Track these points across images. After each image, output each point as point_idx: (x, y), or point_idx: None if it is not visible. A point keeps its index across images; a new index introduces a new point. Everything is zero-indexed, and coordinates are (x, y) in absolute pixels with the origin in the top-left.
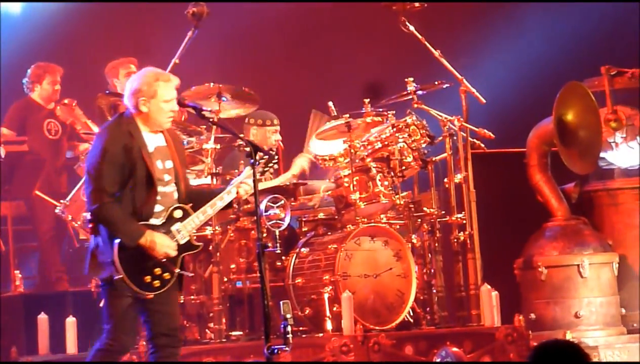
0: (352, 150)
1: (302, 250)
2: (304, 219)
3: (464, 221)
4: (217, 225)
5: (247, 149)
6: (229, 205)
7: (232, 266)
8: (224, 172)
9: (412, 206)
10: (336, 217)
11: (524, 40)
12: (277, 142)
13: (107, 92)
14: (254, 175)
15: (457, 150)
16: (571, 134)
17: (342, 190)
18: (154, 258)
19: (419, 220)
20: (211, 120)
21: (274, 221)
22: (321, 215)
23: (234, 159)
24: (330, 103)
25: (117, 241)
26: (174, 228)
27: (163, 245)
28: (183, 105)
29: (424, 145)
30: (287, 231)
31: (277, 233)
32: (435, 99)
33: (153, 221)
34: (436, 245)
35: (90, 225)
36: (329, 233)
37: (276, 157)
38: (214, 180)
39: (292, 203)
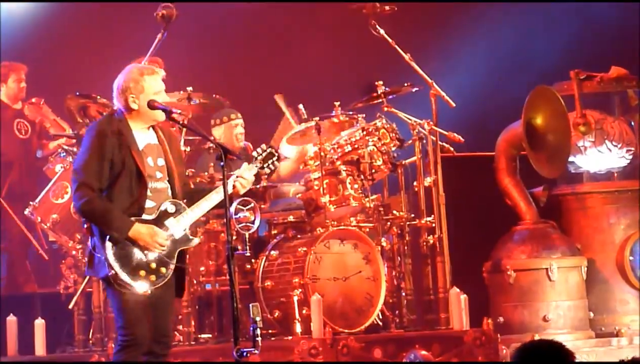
0: (322, 153)
1: (272, 252)
2: (273, 222)
3: (433, 225)
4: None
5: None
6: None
7: (202, 268)
8: (195, 175)
9: (382, 209)
10: (306, 220)
11: (493, 43)
12: (242, 136)
13: (77, 93)
14: (224, 177)
15: (427, 153)
16: (540, 138)
17: (312, 193)
18: (147, 251)
19: (389, 223)
20: (181, 122)
21: (243, 224)
22: (291, 218)
23: (203, 162)
24: (301, 106)
25: (108, 237)
26: (167, 222)
27: (154, 235)
28: (152, 107)
29: (393, 149)
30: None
31: (247, 236)
32: (405, 103)
33: (145, 217)
34: (405, 248)
35: (85, 226)
36: (299, 236)
37: (276, 154)
38: None
39: (262, 206)
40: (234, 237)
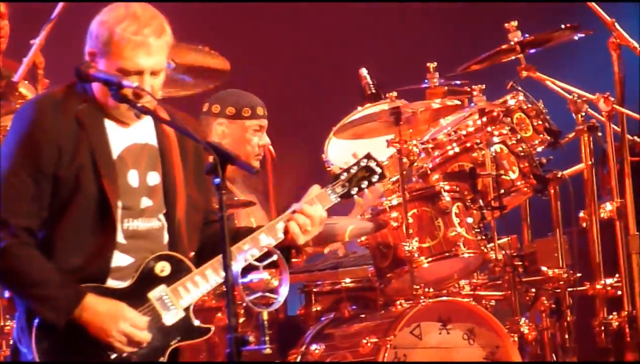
0: (405, 159)
1: (313, 347)
2: (314, 290)
3: (620, 293)
4: None
5: (210, 160)
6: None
7: None
8: None
9: (521, 263)
10: (376, 285)
11: None
12: (265, 147)
13: None
14: (221, 206)
15: (605, 157)
16: None
17: (386, 234)
18: (108, 349)
19: (534, 290)
20: (140, 106)
21: (259, 295)
22: (347, 282)
23: None
24: (364, 72)
25: (37, 320)
26: (153, 294)
27: (118, 318)
28: (88, 78)
29: (540, 149)
30: (284, 314)
31: (266, 316)
32: (560, 62)
33: (113, 283)
34: (567, 337)
35: (6, 294)
36: (362, 316)
37: (380, 169)
38: None
39: (294, 260)
40: (241, 319)
